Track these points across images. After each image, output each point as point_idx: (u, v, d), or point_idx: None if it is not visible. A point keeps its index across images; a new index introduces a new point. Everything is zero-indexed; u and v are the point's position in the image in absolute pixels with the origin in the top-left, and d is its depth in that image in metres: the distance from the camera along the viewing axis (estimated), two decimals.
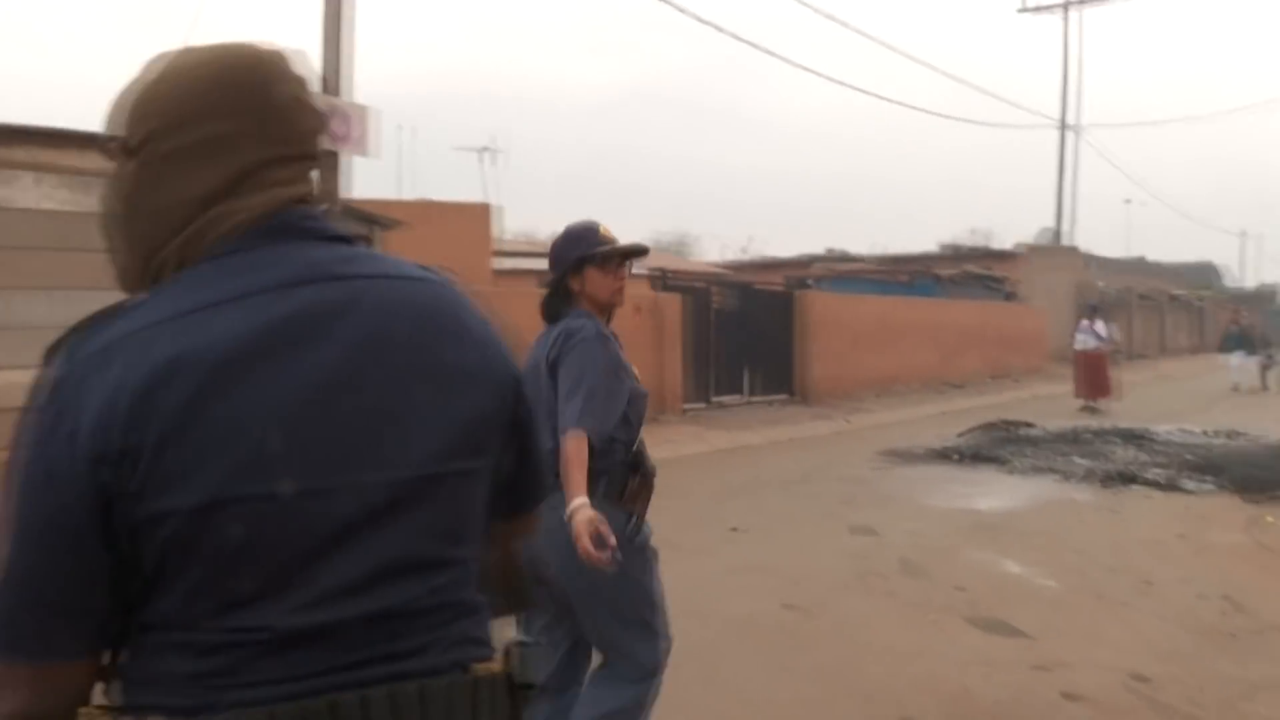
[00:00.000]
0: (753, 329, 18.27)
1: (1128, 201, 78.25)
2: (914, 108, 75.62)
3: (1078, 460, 12.26)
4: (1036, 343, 28.14)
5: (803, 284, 24.94)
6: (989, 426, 15.05)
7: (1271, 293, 68.09)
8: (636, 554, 3.18)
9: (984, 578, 6.96)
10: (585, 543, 2.83)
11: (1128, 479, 10.84)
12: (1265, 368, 25.06)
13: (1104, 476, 10.99)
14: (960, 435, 14.37)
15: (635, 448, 3.27)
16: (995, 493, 10.40)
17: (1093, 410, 18.44)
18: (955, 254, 30.82)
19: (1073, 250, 33.45)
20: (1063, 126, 32.88)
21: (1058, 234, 33.05)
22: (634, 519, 3.19)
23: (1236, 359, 24.62)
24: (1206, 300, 41.63)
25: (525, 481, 1.40)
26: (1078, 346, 19.47)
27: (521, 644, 1.28)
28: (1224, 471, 10.93)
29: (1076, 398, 19.30)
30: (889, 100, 48.85)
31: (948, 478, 11.40)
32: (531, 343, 3.23)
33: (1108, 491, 10.38)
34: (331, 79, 10.63)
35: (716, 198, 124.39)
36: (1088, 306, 20.41)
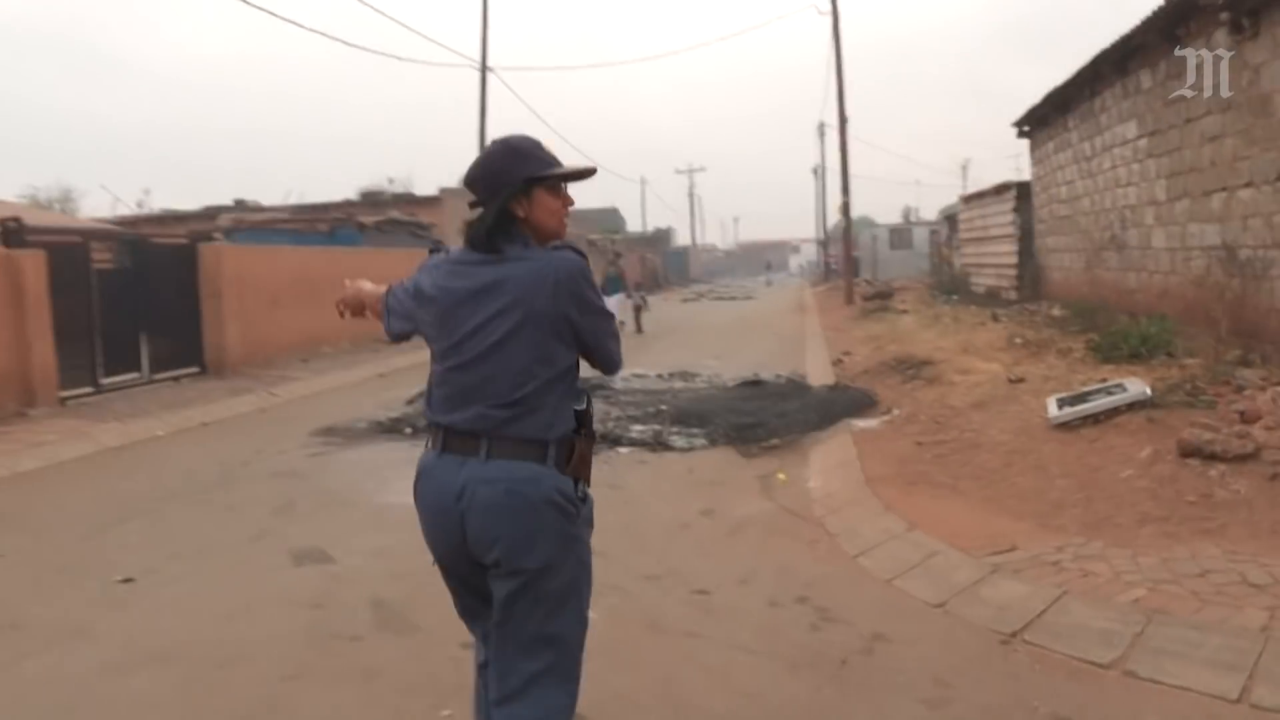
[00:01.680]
0: (150, 291, 14.92)
1: None
2: (325, 35, 72.94)
3: None
4: None
5: (209, 237, 21.77)
6: None
7: (667, 235, 73.56)
8: (587, 528, 2.90)
9: None
10: None
11: (613, 440, 9.44)
12: (638, 309, 25.20)
13: None
14: (409, 402, 12.36)
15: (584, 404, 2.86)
16: None
17: None
18: (377, 201, 28.67)
19: None
20: (484, 69, 31.76)
21: None
22: (582, 486, 2.82)
23: (613, 302, 24.51)
24: (620, 244, 43.17)
25: None
26: None
27: None
28: (708, 421, 9.87)
29: None
30: (301, 26, 45.50)
31: (402, 459, 9.32)
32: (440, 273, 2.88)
33: (597, 459, 8.85)
34: None
35: (105, 150, 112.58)
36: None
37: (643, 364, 16.14)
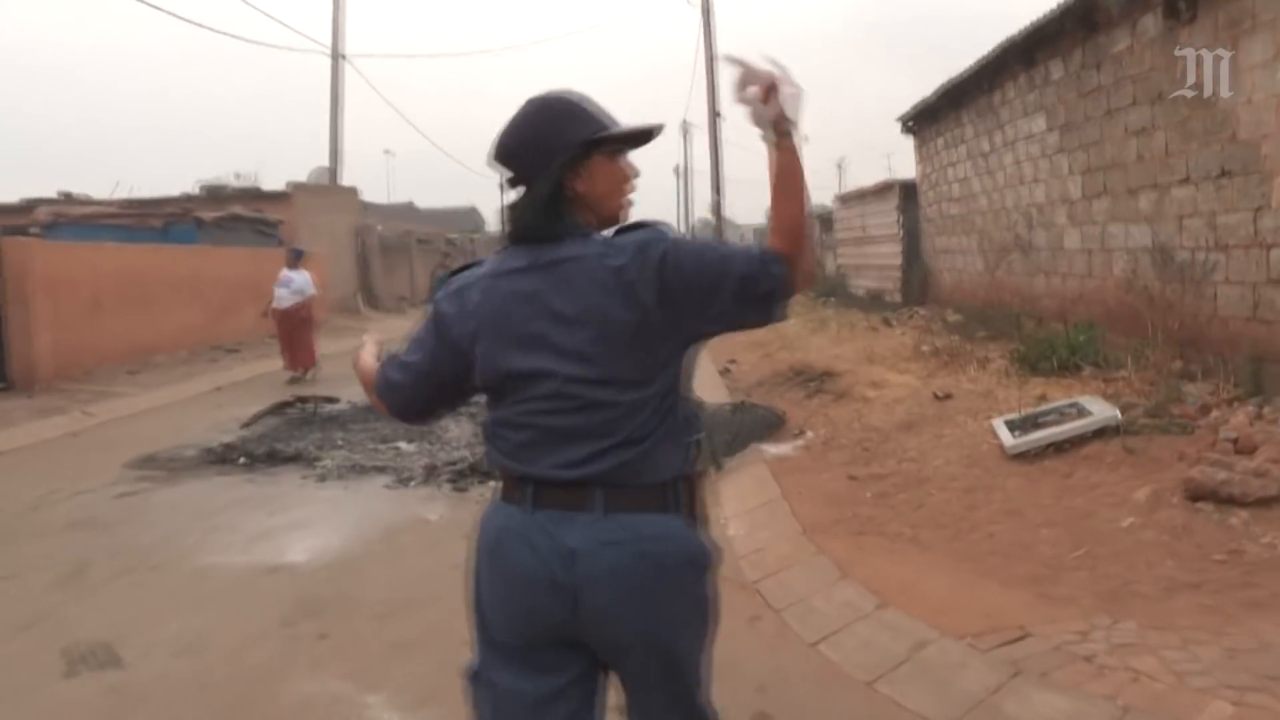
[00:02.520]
0: None
1: (388, 152, 78.47)
2: (163, 10, 69.54)
3: (406, 447, 9.25)
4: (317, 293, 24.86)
5: (23, 231, 19.55)
6: (281, 407, 11.52)
7: None
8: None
9: None
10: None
11: (485, 472, 7.99)
12: None
13: (451, 473, 8.04)
14: (246, 425, 10.68)
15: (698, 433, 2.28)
16: (309, 522, 6.95)
17: (299, 380, 14.98)
18: (219, 196, 26.42)
19: (351, 191, 30.45)
20: (335, 55, 29.70)
21: (334, 173, 29.85)
22: (705, 529, 2.27)
23: None
24: (478, 243, 41.40)
25: None
26: (276, 304, 15.17)
27: None
28: None
29: (287, 370, 15.36)
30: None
31: (235, 499, 7.74)
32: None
33: (464, 497, 7.40)
34: None
35: None
36: (290, 253, 16.13)
37: None
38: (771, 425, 9.04)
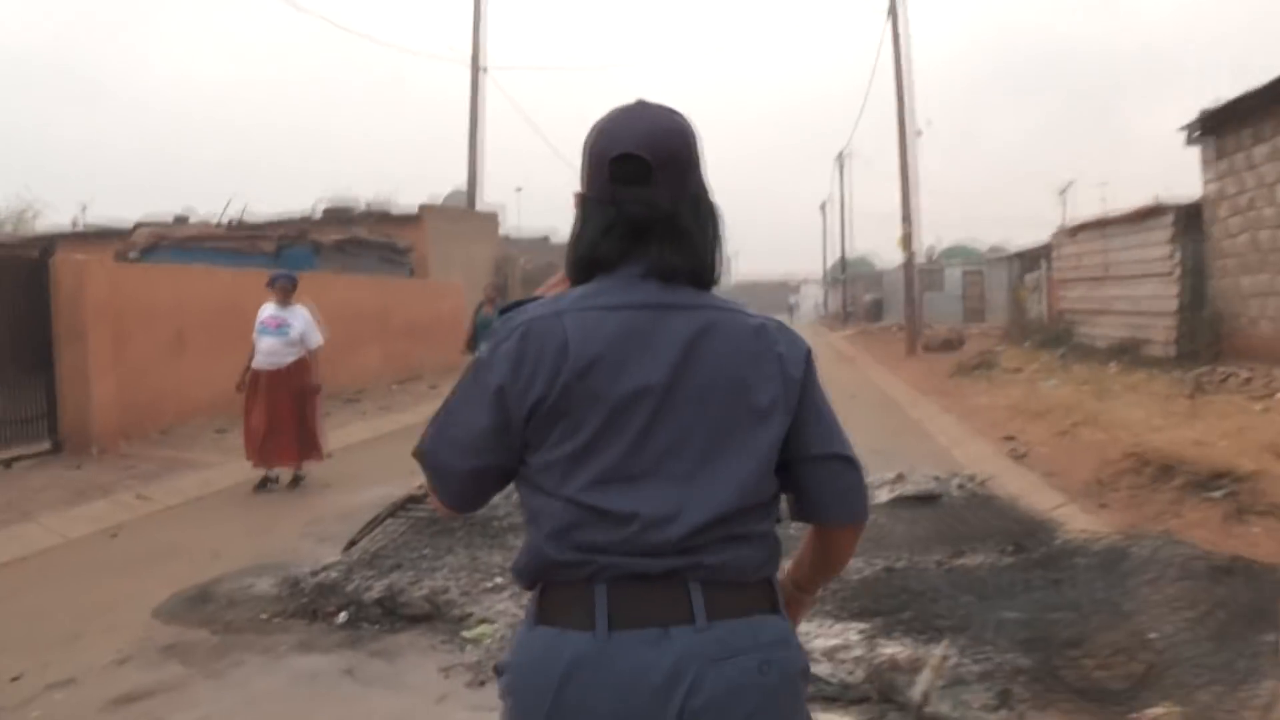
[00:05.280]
0: None
1: (519, 189, 76.26)
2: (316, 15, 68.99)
3: None
4: (454, 332, 21.55)
5: (124, 258, 16.83)
6: (405, 504, 7.73)
7: None
8: None
9: None
10: None
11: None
12: None
13: None
14: (353, 541, 6.99)
15: None
16: None
17: (296, 484, 9.47)
18: (343, 219, 23.33)
19: (490, 216, 27.23)
20: (475, 66, 26.59)
21: (471, 197, 26.70)
22: None
23: None
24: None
25: None
26: (262, 362, 9.23)
27: None
28: (936, 615, 4.58)
29: (250, 461, 9.39)
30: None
31: None
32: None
33: None
34: None
35: (56, 167, 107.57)
36: (279, 279, 9.57)
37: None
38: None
